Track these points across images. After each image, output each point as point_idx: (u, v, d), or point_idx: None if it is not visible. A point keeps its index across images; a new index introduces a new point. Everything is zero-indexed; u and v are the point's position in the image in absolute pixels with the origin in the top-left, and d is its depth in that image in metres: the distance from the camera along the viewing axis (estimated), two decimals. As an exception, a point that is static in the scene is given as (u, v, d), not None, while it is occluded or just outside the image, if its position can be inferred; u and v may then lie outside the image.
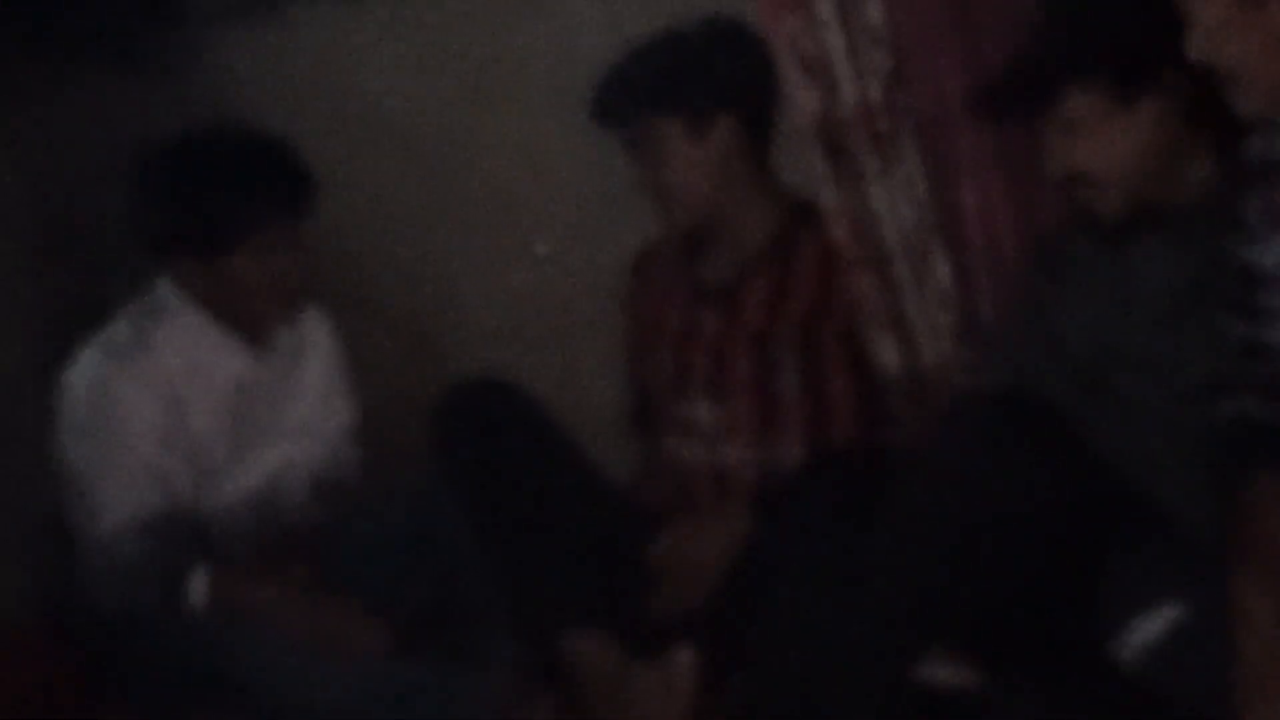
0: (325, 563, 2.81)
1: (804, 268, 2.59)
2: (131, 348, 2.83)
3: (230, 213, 2.77)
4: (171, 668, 2.68)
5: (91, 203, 3.99)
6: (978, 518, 2.07)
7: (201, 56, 3.73)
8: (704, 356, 2.66)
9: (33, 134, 3.99)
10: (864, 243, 2.42)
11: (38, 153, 4.00)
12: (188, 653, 2.66)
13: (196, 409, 2.83)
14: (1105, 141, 2.12)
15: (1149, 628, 2.01)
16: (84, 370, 2.83)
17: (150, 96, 3.80)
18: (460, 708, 2.58)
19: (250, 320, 2.84)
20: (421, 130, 3.46)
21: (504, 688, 2.63)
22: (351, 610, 2.69)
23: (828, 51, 2.37)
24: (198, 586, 2.70)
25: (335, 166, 3.58)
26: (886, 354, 2.46)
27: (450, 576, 2.71)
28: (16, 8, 3.95)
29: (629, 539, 2.62)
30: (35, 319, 3.77)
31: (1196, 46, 1.87)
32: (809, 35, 2.37)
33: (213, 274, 2.80)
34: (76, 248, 4.06)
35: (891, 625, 2.14)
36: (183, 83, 3.76)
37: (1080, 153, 2.13)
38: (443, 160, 3.45)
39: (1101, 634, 2.06)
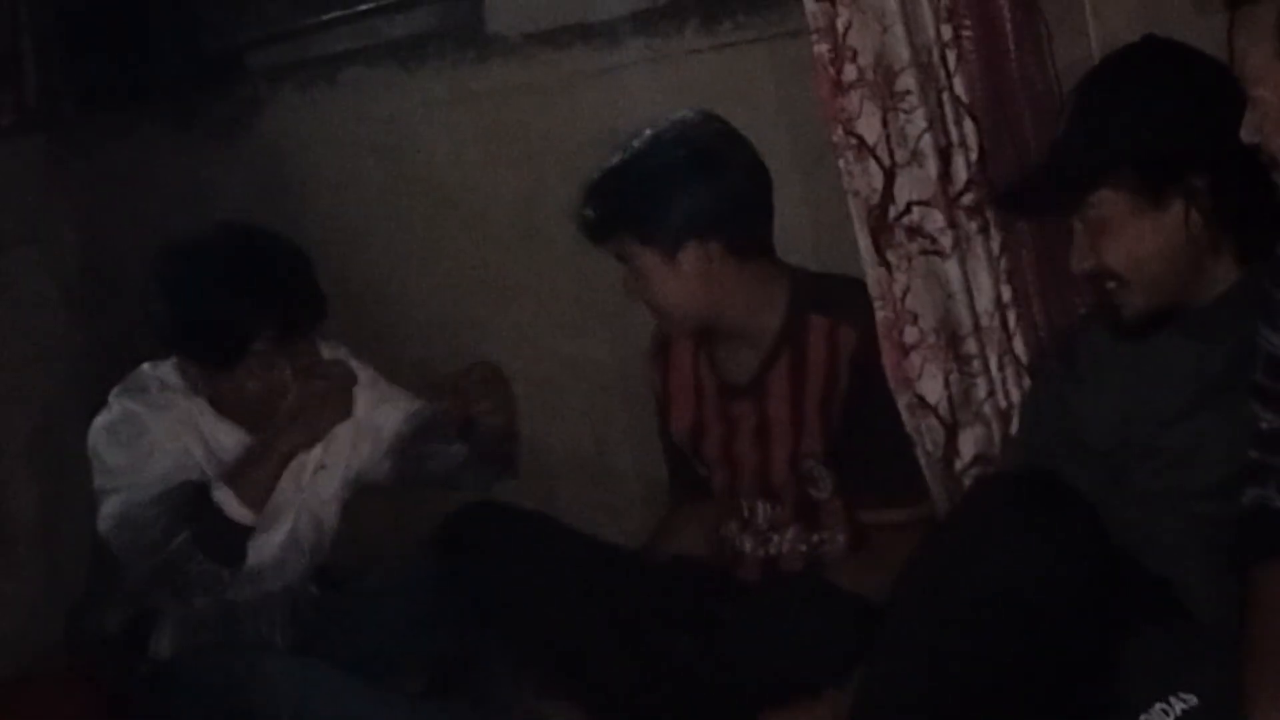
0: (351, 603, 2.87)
1: (816, 356, 2.57)
2: (156, 397, 2.85)
3: (226, 331, 2.72)
4: (207, 706, 2.71)
5: (140, 253, 4.06)
6: (993, 592, 2.05)
7: (260, 115, 3.81)
8: (748, 455, 2.66)
9: (90, 184, 4.06)
10: (919, 326, 2.38)
11: (94, 202, 4.07)
12: (224, 690, 2.70)
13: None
14: (1132, 240, 2.12)
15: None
16: (112, 408, 2.86)
17: (207, 151, 3.89)
18: None
19: (249, 419, 2.81)
20: (471, 195, 3.51)
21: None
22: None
23: (908, 127, 2.31)
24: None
25: (386, 227, 3.68)
26: (929, 438, 2.42)
27: (465, 627, 2.75)
28: (81, 60, 4.04)
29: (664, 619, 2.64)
30: (81, 364, 3.81)
31: (1251, 129, 1.86)
32: (869, 116, 2.32)
33: (213, 378, 2.80)
34: (123, 295, 4.11)
35: (906, 707, 2.17)
36: (240, 140, 3.84)
37: (1107, 250, 2.13)
38: (490, 225, 3.50)
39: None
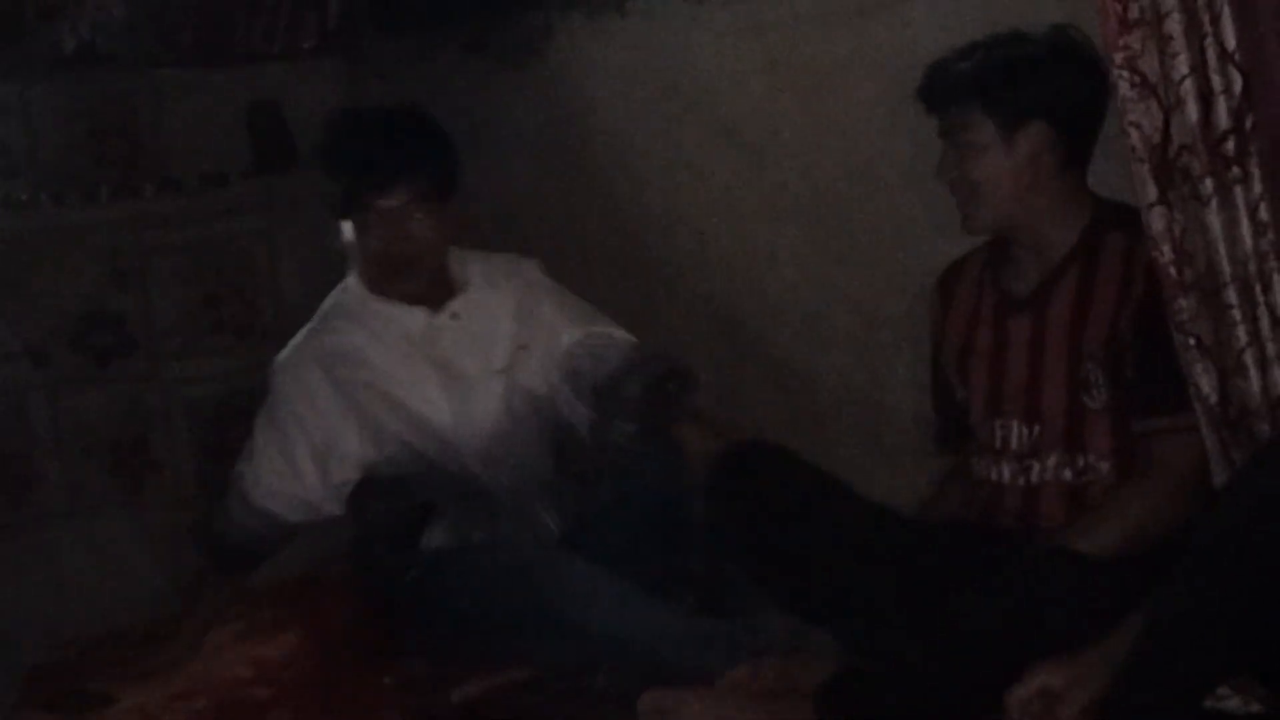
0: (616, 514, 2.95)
1: (1108, 272, 2.55)
2: (312, 328, 3.07)
3: (354, 178, 2.94)
4: (480, 604, 2.82)
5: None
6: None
7: (549, 42, 3.87)
8: (1016, 372, 2.64)
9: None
10: (1194, 267, 2.36)
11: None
12: (512, 582, 2.81)
13: (373, 367, 3.01)
14: None
15: None
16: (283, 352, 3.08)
17: (498, 77, 3.97)
18: (738, 658, 2.66)
19: (399, 285, 3.01)
20: (750, 125, 3.51)
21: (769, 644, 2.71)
22: None
23: (1171, 71, 2.31)
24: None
25: (664, 155, 3.72)
26: (1205, 380, 2.39)
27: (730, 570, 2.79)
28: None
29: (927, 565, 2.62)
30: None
31: None
32: (1151, 54, 2.31)
33: (358, 239, 2.99)
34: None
35: (1193, 656, 2.12)
36: (529, 66, 3.91)
37: None
38: (767, 156, 3.50)
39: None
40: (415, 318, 3.03)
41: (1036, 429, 2.60)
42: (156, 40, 4.04)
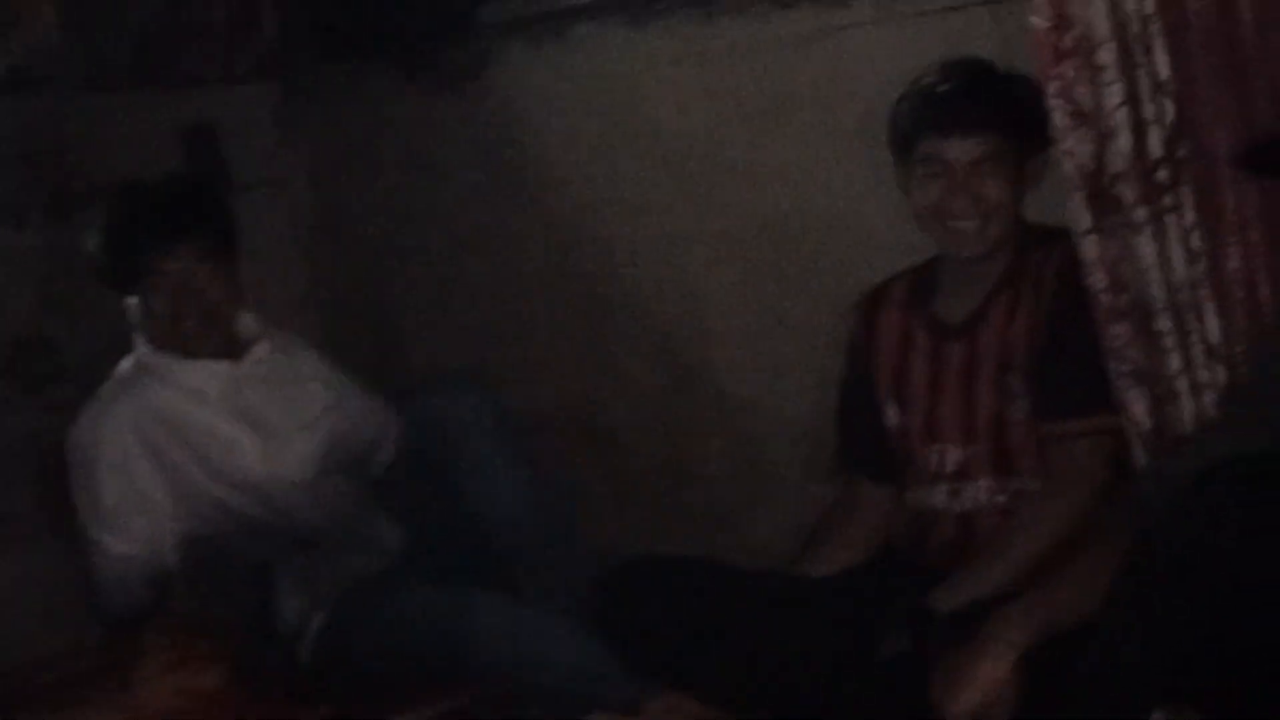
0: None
1: (1031, 289, 2.58)
2: (113, 389, 3.05)
3: (121, 255, 2.98)
4: (389, 659, 2.82)
5: (365, 198, 4.17)
6: (1226, 585, 2.03)
7: (489, 68, 3.86)
8: (952, 396, 2.66)
9: (322, 131, 4.16)
10: (1127, 295, 2.39)
11: (325, 149, 4.17)
12: (409, 641, 2.79)
13: (181, 426, 3.00)
14: None
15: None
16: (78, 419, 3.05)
17: (436, 103, 3.95)
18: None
19: (193, 344, 3.01)
20: (692, 154, 3.51)
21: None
22: None
23: (1104, 100, 2.35)
24: None
25: (605, 183, 3.71)
26: (1137, 406, 2.42)
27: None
28: (318, 9, 4.14)
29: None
30: (309, 306, 3.92)
31: None
32: (1085, 83, 2.36)
33: (146, 304, 3.01)
34: (346, 238, 4.23)
35: (1131, 688, 2.13)
36: (468, 93, 3.89)
37: None
38: (709, 184, 3.50)
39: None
40: (218, 370, 3.04)
41: (971, 449, 2.62)
42: (90, 63, 4.00)
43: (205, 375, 3.02)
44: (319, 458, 3.05)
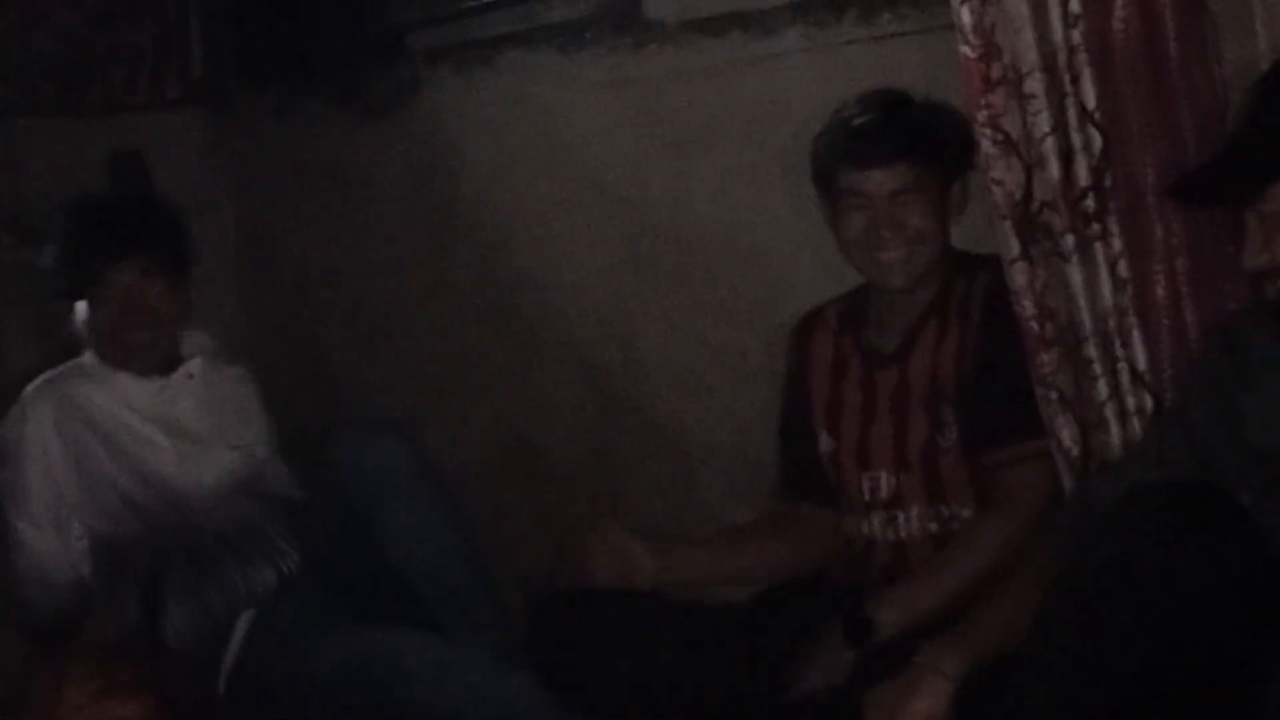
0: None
1: (959, 316, 2.60)
2: (39, 385, 3.10)
3: (71, 264, 3.06)
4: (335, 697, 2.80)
5: (293, 223, 4.15)
6: (1146, 599, 2.02)
7: (418, 95, 3.86)
8: (884, 423, 2.67)
9: (251, 157, 4.15)
10: (1055, 322, 2.41)
11: (254, 175, 4.15)
12: (350, 677, 2.78)
13: (102, 421, 3.05)
14: None
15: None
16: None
17: (365, 129, 3.95)
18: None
19: (133, 359, 3.07)
20: (620, 179, 3.51)
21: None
22: None
23: (1032, 129, 2.36)
24: None
25: (533, 208, 3.71)
26: (1065, 433, 2.43)
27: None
28: (246, 36, 4.13)
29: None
30: (235, 333, 3.88)
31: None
32: (1013, 112, 2.37)
33: (93, 315, 3.06)
34: (273, 263, 4.21)
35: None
36: (397, 119, 3.88)
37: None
38: (637, 210, 3.49)
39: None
40: (149, 385, 3.09)
41: (903, 477, 2.63)
42: (14, 89, 3.98)
43: (135, 386, 3.07)
44: (232, 472, 3.10)
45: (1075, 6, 2.34)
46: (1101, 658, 2.08)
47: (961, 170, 2.57)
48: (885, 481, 2.65)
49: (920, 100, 2.64)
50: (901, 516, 2.64)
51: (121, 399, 3.06)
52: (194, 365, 3.13)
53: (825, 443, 2.74)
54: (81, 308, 3.08)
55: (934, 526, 2.61)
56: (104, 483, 3.03)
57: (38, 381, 3.10)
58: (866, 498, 2.67)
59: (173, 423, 3.08)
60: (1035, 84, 2.36)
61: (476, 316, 3.82)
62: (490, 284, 3.80)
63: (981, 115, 2.40)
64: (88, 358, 3.10)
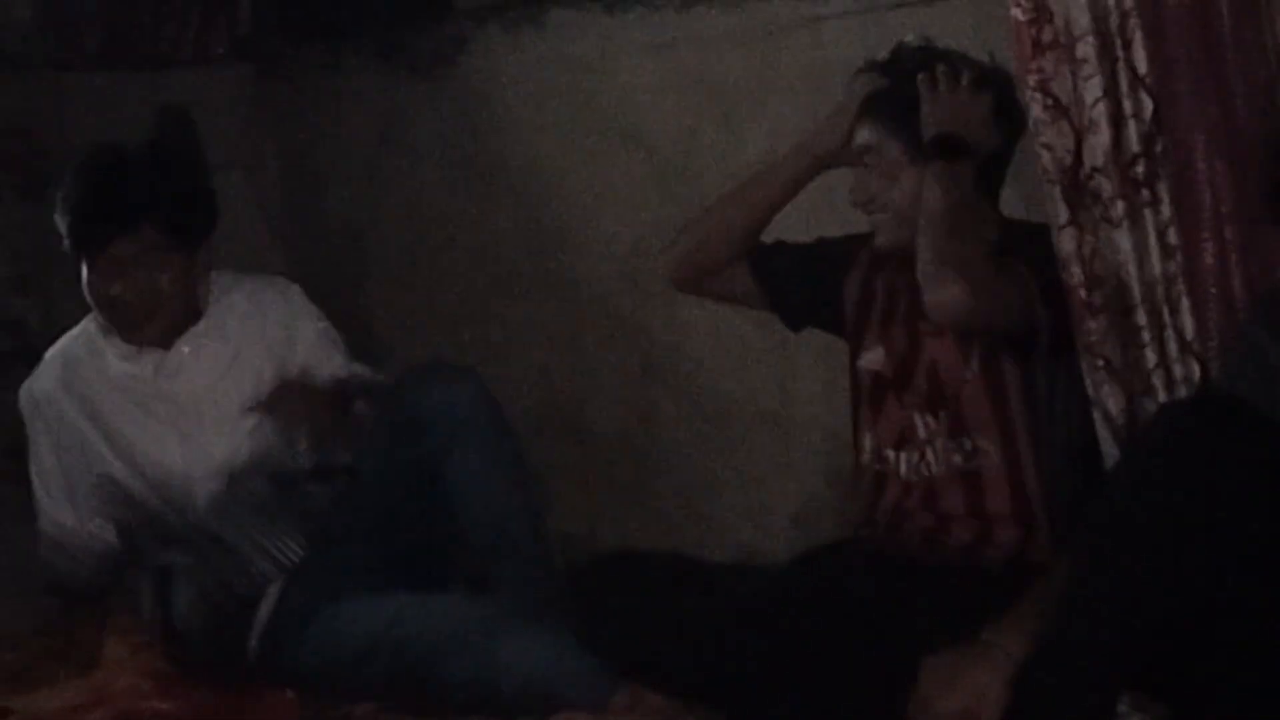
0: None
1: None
2: (50, 363, 2.98)
3: (73, 227, 2.83)
4: (340, 674, 2.78)
5: (338, 180, 4.16)
6: (1181, 518, 2.03)
7: (463, 53, 3.85)
8: (925, 371, 2.64)
9: (295, 113, 4.16)
10: (1102, 290, 2.39)
11: (298, 131, 4.16)
12: (361, 660, 2.76)
13: (102, 409, 2.93)
14: None
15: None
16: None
17: (409, 87, 3.95)
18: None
19: (127, 330, 2.90)
20: (665, 141, 3.52)
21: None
22: None
23: (1083, 94, 2.34)
24: None
25: (578, 169, 3.71)
26: (1112, 401, 2.41)
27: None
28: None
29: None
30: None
31: None
32: (1063, 77, 2.35)
33: (89, 281, 2.86)
34: (318, 219, 4.22)
35: (1094, 650, 2.13)
36: (441, 77, 3.89)
37: None
38: (681, 171, 3.50)
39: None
40: (145, 363, 2.94)
41: (941, 415, 2.62)
42: (62, 44, 3.99)
43: (129, 367, 2.93)
44: (240, 442, 2.96)
45: (1132, -30, 2.32)
46: (1141, 583, 2.07)
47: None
48: (920, 421, 2.65)
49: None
50: (928, 453, 2.63)
51: (119, 384, 2.93)
52: (192, 336, 2.94)
53: (872, 360, 2.71)
54: (85, 273, 2.88)
55: (958, 459, 2.60)
56: (110, 475, 2.94)
57: (54, 352, 2.99)
58: (904, 433, 2.65)
59: (169, 399, 2.94)
60: (1087, 48, 2.33)
61: (518, 274, 3.83)
62: (533, 243, 3.81)
63: (1032, 79, 2.37)
64: (90, 324, 2.96)
